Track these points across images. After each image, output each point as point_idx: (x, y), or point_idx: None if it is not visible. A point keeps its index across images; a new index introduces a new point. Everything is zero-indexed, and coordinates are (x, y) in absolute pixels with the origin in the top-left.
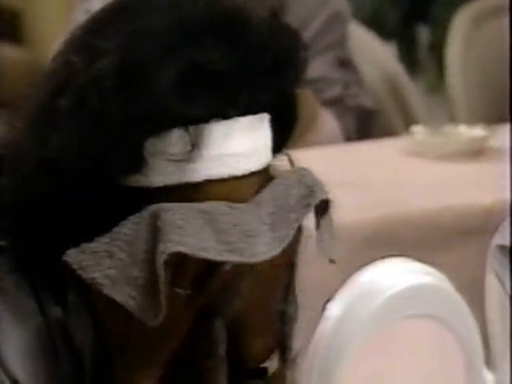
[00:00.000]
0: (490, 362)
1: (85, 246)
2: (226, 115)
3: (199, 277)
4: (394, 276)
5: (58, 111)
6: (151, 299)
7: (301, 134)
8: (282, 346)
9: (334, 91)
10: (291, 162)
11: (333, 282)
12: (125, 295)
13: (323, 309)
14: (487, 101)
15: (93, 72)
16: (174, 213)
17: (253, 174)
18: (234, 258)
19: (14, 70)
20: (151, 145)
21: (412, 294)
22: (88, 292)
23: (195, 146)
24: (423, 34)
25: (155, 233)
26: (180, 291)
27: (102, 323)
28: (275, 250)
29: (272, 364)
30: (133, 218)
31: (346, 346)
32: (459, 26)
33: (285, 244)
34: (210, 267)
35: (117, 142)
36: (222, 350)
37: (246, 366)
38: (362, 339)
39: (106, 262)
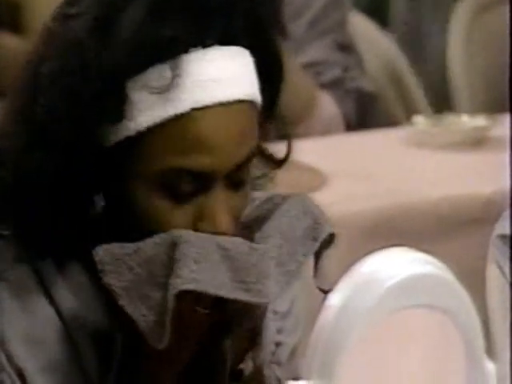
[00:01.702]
0: (491, 352)
1: (112, 247)
2: (202, 43)
3: (218, 299)
4: (395, 266)
5: (42, 76)
6: (159, 325)
7: (300, 117)
8: (254, 345)
9: (333, 74)
10: (289, 149)
11: (334, 272)
12: (138, 312)
13: (324, 299)
14: (489, 90)
15: (68, 32)
16: (191, 245)
17: (241, 104)
18: (249, 298)
19: (14, 61)
20: (133, 83)
21: (413, 284)
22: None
23: (176, 74)
24: None
25: (172, 262)
26: (200, 310)
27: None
28: (285, 288)
29: (247, 366)
30: (154, 238)
31: (347, 336)
32: (461, 15)
33: (292, 281)
34: None
35: (100, 88)
36: (229, 361)
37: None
38: (362, 330)
39: (125, 274)
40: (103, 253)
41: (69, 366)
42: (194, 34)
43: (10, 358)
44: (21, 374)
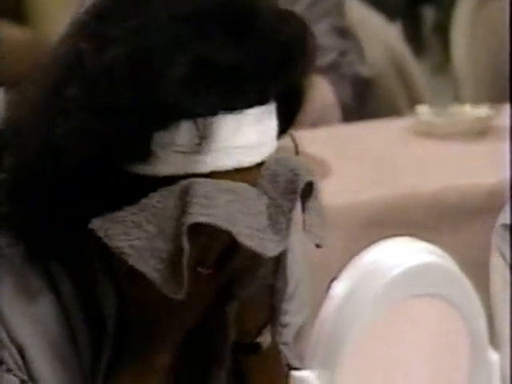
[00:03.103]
0: (495, 341)
1: (111, 214)
2: (234, 108)
3: (221, 257)
4: (399, 255)
5: (67, 98)
6: (175, 273)
7: None
8: (272, 319)
9: (329, 58)
10: (294, 141)
11: (338, 262)
12: (150, 267)
13: (328, 288)
14: (492, 80)
15: (102, 61)
16: (203, 185)
17: (257, 164)
18: (252, 245)
19: (17, 50)
20: (159, 136)
21: (417, 274)
22: (112, 261)
23: (203, 138)
24: (428, 13)
25: (183, 207)
26: (203, 270)
27: (124, 292)
28: (280, 247)
29: (265, 339)
30: (162, 191)
31: (351, 326)
32: (465, 5)
33: (287, 239)
34: (233, 248)
35: (125, 134)
36: (232, 333)
37: (239, 341)
38: (366, 318)
39: (133, 233)
40: (100, 222)
41: (66, 347)
42: (227, 100)
43: (10, 334)
44: (21, 351)
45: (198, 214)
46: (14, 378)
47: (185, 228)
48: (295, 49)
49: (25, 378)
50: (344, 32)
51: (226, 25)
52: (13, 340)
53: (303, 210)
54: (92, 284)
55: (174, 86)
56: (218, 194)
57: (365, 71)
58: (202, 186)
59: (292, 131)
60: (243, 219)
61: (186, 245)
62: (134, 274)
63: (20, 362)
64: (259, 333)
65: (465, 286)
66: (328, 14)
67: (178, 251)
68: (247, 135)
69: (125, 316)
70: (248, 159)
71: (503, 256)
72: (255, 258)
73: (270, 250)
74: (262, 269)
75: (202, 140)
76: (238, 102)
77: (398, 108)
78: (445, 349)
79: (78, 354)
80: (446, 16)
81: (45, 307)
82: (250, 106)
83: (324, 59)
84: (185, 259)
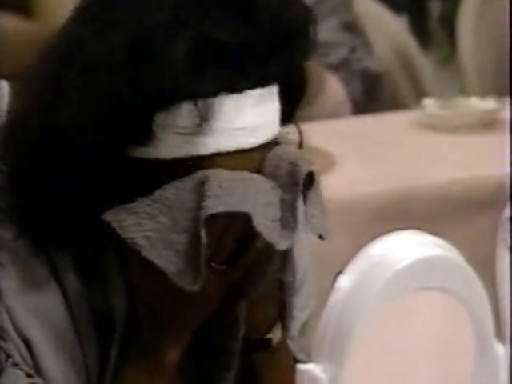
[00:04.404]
0: (501, 335)
1: (124, 206)
2: (235, 89)
3: (234, 253)
4: (405, 249)
5: (67, 83)
6: (191, 264)
7: (309, 100)
8: (282, 314)
9: (340, 55)
10: (300, 133)
11: (343, 255)
12: (164, 259)
13: (334, 281)
14: (498, 73)
15: (102, 45)
16: (219, 176)
17: (260, 146)
18: (266, 233)
19: (21, 43)
20: (160, 118)
21: (423, 267)
22: (124, 253)
23: (204, 119)
24: (435, 7)
25: (200, 200)
26: (216, 266)
27: (136, 287)
28: (290, 241)
29: (275, 335)
30: (176, 183)
31: (357, 318)
32: None
33: (294, 232)
34: (245, 244)
35: (126, 116)
36: (242, 331)
37: (249, 337)
38: (372, 312)
39: (146, 224)
40: (114, 213)
41: (72, 340)
42: (228, 80)
43: (16, 328)
44: (27, 345)
45: (216, 205)
46: (20, 372)
47: (203, 220)
48: (296, 28)
49: (31, 371)
50: (353, 28)
51: (227, 4)
52: (19, 333)
53: (304, 200)
54: (100, 277)
55: (175, 66)
56: (233, 184)
57: (374, 66)
58: (217, 177)
59: (299, 124)
60: (258, 208)
61: (204, 237)
62: (147, 266)
63: (26, 356)
64: (269, 329)
65: (471, 280)
66: (337, 10)
67: (194, 243)
68: (249, 116)
69: (134, 312)
70: (250, 141)
71: (509, 249)
72: (265, 253)
73: (281, 243)
74: (271, 265)
75: (203, 121)
76: (238, 82)
77: (404, 101)
78: (451, 342)
79: (84, 348)
80: (452, 9)
81: (50, 300)
82: (251, 86)
83: (335, 56)
84: (203, 251)
